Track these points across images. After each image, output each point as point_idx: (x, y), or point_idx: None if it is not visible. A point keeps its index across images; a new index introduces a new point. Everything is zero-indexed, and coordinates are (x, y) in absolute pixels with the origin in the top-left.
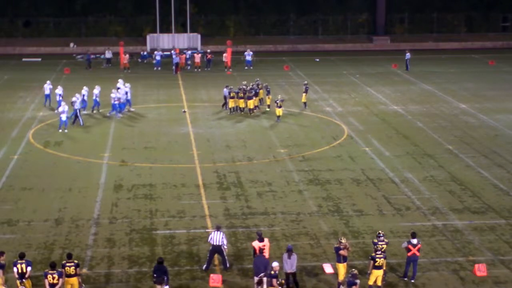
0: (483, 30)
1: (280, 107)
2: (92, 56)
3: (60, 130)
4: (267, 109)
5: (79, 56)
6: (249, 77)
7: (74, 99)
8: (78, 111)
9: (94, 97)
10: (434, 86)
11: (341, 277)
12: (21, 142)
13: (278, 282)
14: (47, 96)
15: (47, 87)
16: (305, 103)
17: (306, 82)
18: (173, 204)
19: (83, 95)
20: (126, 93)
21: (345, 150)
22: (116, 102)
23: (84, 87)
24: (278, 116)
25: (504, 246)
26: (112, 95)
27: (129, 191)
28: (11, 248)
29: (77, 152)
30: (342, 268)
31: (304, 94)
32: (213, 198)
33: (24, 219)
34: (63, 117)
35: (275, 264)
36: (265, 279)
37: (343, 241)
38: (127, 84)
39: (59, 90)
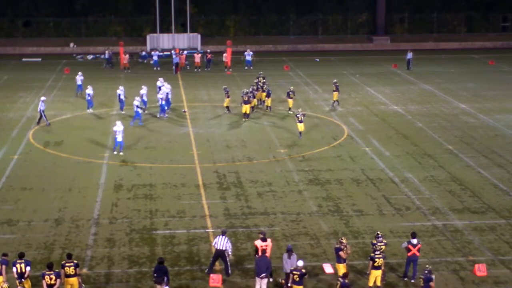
0: (483, 30)
1: (301, 121)
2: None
3: (115, 152)
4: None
5: (79, 56)
6: (249, 77)
7: (136, 102)
8: (42, 111)
9: (142, 98)
10: (434, 86)
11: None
12: (21, 142)
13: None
14: (79, 86)
15: (79, 78)
16: (336, 101)
17: (335, 80)
18: (173, 204)
19: (142, 95)
20: (167, 94)
21: (345, 150)
22: (164, 103)
23: (120, 87)
24: (300, 132)
25: (504, 246)
26: (159, 95)
27: (129, 191)
28: (11, 248)
29: (77, 152)
30: (342, 268)
31: (335, 93)
32: (213, 198)
33: (24, 219)
34: (119, 137)
35: (300, 264)
36: (265, 280)
37: (344, 241)
38: (168, 85)
39: (89, 90)
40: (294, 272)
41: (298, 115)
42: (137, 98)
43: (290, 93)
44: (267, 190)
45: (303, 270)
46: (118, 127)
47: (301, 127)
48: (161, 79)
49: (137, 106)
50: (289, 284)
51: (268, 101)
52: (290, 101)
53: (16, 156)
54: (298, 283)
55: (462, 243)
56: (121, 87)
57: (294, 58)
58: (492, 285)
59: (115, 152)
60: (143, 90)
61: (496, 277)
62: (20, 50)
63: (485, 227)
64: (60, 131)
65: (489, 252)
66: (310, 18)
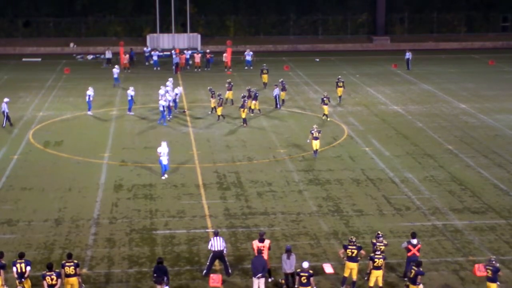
0: (483, 30)
1: (316, 138)
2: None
3: (163, 177)
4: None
5: (79, 56)
6: (249, 77)
7: (163, 103)
8: (7, 113)
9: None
10: (434, 86)
11: (355, 276)
12: (21, 142)
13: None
14: (116, 79)
15: (115, 71)
16: (339, 97)
17: (339, 76)
18: (173, 204)
19: (161, 95)
20: (176, 94)
21: (345, 150)
22: (172, 104)
23: (131, 87)
24: (316, 150)
25: (504, 246)
26: (169, 97)
27: (129, 191)
28: (11, 248)
29: (77, 152)
30: (356, 266)
31: (339, 89)
32: (213, 198)
33: (24, 219)
34: (164, 160)
35: (306, 265)
36: (262, 280)
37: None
38: (179, 88)
39: (90, 91)
40: (302, 274)
41: (312, 131)
42: (163, 99)
43: (325, 99)
44: (267, 190)
45: (311, 271)
46: (163, 148)
47: (316, 145)
48: (171, 79)
49: (163, 106)
50: (296, 286)
51: (256, 104)
52: (325, 107)
53: (16, 156)
54: (305, 285)
55: (462, 243)
56: (131, 88)
57: (294, 58)
58: None
59: (163, 177)
60: (162, 91)
61: None
62: (20, 50)
63: (485, 227)
64: (60, 131)
65: (489, 252)
66: (310, 18)
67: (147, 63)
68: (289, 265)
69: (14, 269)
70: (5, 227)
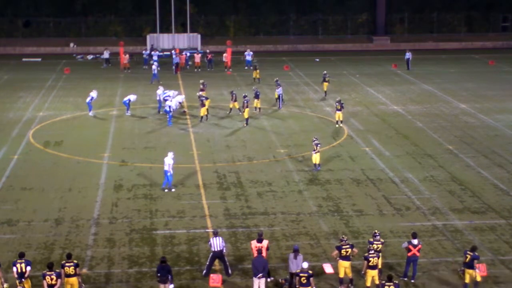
0: (483, 30)
1: (315, 152)
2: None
3: (167, 190)
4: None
5: (79, 56)
6: (249, 77)
7: (169, 103)
8: None
9: (158, 98)
10: (434, 86)
11: (350, 273)
12: (21, 142)
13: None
14: (155, 75)
15: (154, 67)
16: (325, 91)
17: (325, 72)
18: (173, 204)
19: (159, 95)
20: (179, 102)
21: (345, 150)
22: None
23: (132, 94)
24: (319, 164)
25: (504, 246)
26: (168, 103)
27: (129, 191)
28: (11, 248)
29: (77, 152)
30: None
31: (325, 83)
32: (213, 198)
33: (24, 219)
34: (170, 171)
35: (306, 266)
36: (262, 280)
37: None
38: (182, 96)
39: (93, 93)
40: (301, 275)
41: (313, 144)
42: (170, 99)
43: (337, 104)
44: (267, 190)
45: (310, 272)
46: (170, 159)
47: (315, 158)
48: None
49: (169, 106)
50: (297, 286)
51: (235, 104)
52: (339, 113)
53: (16, 156)
54: (305, 285)
55: (462, 243)
56: (136, 96)
57: (294, 58)
58: (492, 285)
59: (167, 190)
60: (159, 91)
61: (496, 277)
62: (20, 50)
63: (485, 227)
64: (60, 131)
65: (489, 252)
66: (310, 18)
67: (146, 66)
68: (295, 265)
69: (14, 269)
70: (5, 227)
